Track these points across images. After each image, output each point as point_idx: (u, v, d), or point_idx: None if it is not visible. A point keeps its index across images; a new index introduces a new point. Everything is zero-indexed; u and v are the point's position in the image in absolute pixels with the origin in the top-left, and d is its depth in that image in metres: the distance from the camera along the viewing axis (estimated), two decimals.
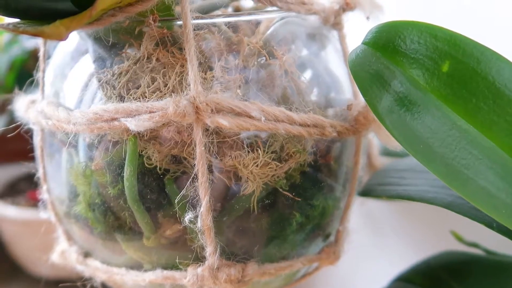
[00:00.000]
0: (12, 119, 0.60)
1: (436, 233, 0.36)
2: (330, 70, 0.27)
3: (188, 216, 0.21)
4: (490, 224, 0.21)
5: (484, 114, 0.18)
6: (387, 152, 0.37)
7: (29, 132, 0.26)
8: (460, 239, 0.32)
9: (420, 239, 0.39)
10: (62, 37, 0.14)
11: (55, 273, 0.57)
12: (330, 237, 0.27)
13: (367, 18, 0.25)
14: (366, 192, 0.28)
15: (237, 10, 0.30)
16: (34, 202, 0.60)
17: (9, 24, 0.16)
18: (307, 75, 0.25)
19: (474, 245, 0.31)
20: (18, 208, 0.58)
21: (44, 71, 0.25)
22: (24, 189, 0.65)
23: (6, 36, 0.61)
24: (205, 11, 0.26)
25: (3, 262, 0.64)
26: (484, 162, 0.18)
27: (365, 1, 0.26)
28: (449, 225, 0.32)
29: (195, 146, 0.21)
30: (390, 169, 0.30)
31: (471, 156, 0.18)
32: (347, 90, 0.27)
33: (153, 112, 0.20)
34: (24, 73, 0.62)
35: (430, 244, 0.36)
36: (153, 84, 0.21)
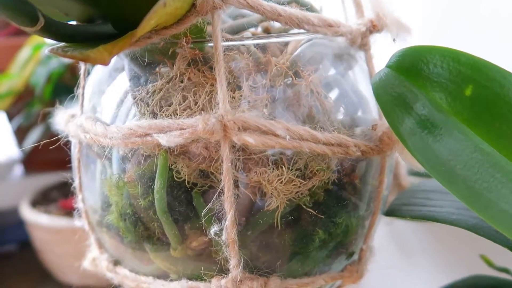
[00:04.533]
0: (47, 130, 0.62)
1: (465, 256, 0.35)
2: (357, 90, 0.27)
3: (214, 228, 0.22)
4: None
5: (507, 137, 0.19)
6: (414, 172, 0.37)
7: (66, 143, 0.28)
8: (489, 263, 0.31)
9: (448, 261, 0.39)
10: (105, 62, 0.15)
11: (84, 281, 0.59)
12: (354, 255, 0.27)
13: (394, 40, 0.26)
14: (391, 212, 0.28)
15: (266, 30, 0.31)
16: (66, 211, 0.62)
17: (58, 48, 0.17)
18: (333, 94, 0.26)
19: (505, 270, 0.30)
20: (50, 216, 0.60)
21: (84, 88, 0.27)
22: (56, 198, 0.67)
23: (44, 50, 0.64)
24: (235, 31, 0.28)
25: (35, 269, 0.66)
26: (507, 185, 0.18)
27: (392, 23, 0.26)
28: (479, 249, 0.31)
29: (222, 162, 0.21)
30: (416, 189, 0.30)
31: (493, 179, 0.18)
32: (373, 110, 0.27)
33: (183, 129, 0.21)
34: (61, 85, 0.64)
35: (458, 267, 0.36)
36: (184, 102, 0.22)
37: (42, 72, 0.64)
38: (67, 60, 0.63)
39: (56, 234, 0.59)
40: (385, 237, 0.40)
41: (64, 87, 0.64)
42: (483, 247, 0.31)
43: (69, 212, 0.61)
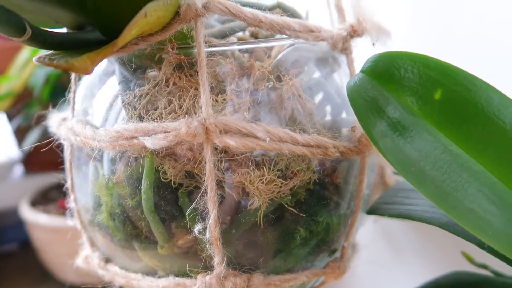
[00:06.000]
0: (45, 131, 0.64)
1: (448, 253, 0.36)
2: (340, 92, 0.28)
3: (198, 227, 0.23)
4: (482, 244, 0.21)
5: (474, 139, 0.19)
6: None
7: (59, 146, 0.29)
8: (470, 260, 0.32)
9: (432, 258, 0.40)
10: (88, 71, 0.16)
11: (84, 280, 0.60)
12: (336, 252, 0.28)
13: (373, 44, 0.27)
14: (373, 210, 0.29)
15: (254, 34, 0.32)
16: (64, 211, 0.63)
17: (45, 57, 0.18)
18: (315, 97, 0.27)
19: (484, 266, 0.31)
20: (49, 216, 0.61)
21: (75, 92, 0.28)
22: (55, 197, 0.68)
23: (42, 53, 0.65)
24: (223, 35, 0.29)
25: (35, 268, 0.67)
26: (473, 185, 0.19)
27: (372, 28, 0.27)
28: (461, 246, 0.32)
29: (205, 163, 0.22)
30: (398, 188, 0.31)
31: (461, 179, 0.19)
32: (353, 113, 0.28)
33: (167, 132, 0.22)
34: (59, 87, 0.65)
35: (441, 263, 0.36)
36: (169, 106, 0.23)
37: (40, 73, 0.65)
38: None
39: (55, 233, 0.60)
40: (372, 234, 0.40)
41: (62, 88, 0.65)
42: (465, 244, 0.31)
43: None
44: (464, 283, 0.30)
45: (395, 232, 0.42)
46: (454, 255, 0.34)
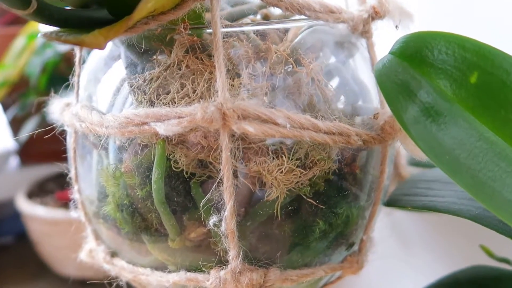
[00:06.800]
0: (43, 121, 0.62)
1: (466, 247, 0.35)
2: (358, 79, 0.27)
3: (213, 219, 0.22)
4: None
5: None
6: (415, 162, 0.37)
7: (62, 133, 0.27)
8: (490, 253, 0.31)
9: (449, 252, 0.39)
10: (101, 46, 0.15)
11: (81, 273, 0.59)
12: (354, 246, 0.27)
13: (396, 27, 0.25)
14: (392, 202, 0.28)
15: (266, 17, 0.30)
16: (62, 203, 0.62)
17: (52, 33, 0.16)
18: (334, 83, 0.26)
19: (505, 260, 0.30)
20: (46, 208, 0.60)
21: (79, 76, 0.26)
22: (52, 189, 0.67)
23: (39, 40, 0.63)
24: (234, 18, 0.27)
25: (31, 261, 0.66)
26: (511, 175, 0.18)
27: (394, 9, 0.26)
28: (479, 239, 0.31)
29: (221, 151, 0.21)
30: (417, 179, 0.29)
31: (498, 168, 0.18)
32: (374, 99, 0.27)
33: (181, 117, 0.20)
34: (56, 75, 0.64)
35: (459, 257, 0.35)
36: (182, 90, 0.22)
37: (37, 62, 0.63)
38: (62, 50, 0.62)
39: (52, 226, 0.59)
40: (385, 228, 0.39)
41: (59, 77, 0.64)
42: (483, 238, 0.30)
43: (65, 203, 0.60)
44: (484, 278, 0.29)
45: (406, 225, 0.41)
46: (471, 250, 0.32)
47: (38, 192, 0.67)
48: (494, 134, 0.18)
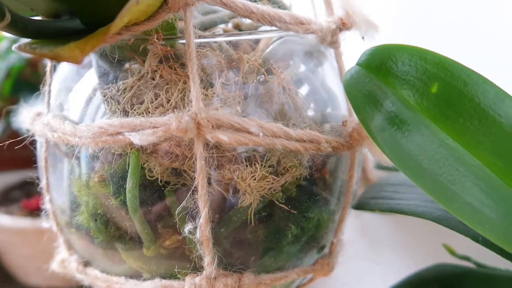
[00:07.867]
0: (7, 127, 0.60)
1: (429, 246, 0.37)
2: (327, 87, 0.28)
3: (188, 227, 0.22)
4: (476, 237, 0.21)
5: (470, 133, 0.19)
6: (382, 166, 0.38)
7: (32, 142, 0.27)
8: (452, 252, 0.33)
9: (414, 251, 0.40)
10: (77, 61, 0.15)
11: (49, 282, 0.57)
12: (325, 249, 0.28)
13: (362, 38, 0.26)
14: (360, 206, 0.29)
15: (237, 26, 0.31)
16: (28, 211, 0.60)
17: (26, 45, 0.16)
18: (304, 91, 0.26)
19: (466, 258, 0.32)
20: (11, 217, 0.58)
21: (50, 85, 0.26)
22: (18, 198, 0.65)
23: (4, 44, 0.62)
24: (206, 27, 0.28)
25: None
26: (470, 179, 0.19)
27: (361, 21, 0.27)
28: (442, 239, 0.33)
29: (196, 159, 0.21)
30: (384, 183, 0.31)
31: (457, 172, 0.19)
32: (342, 106, 0.28)
33: (156, 127, 0.21)
34: (21, 81, 0.62)
35: (423, 256, 0.37)
36: (156, 100, 0.22)
37: (1, 67, 0.62)
38: (27, 54, 0.61)
39: (18, 235, 0.58)
40: (354, 230, 0.40)
41: (24, 83, 0.62)
42: (446, 237, 0.32)
43: (32, 212, 0.59)
44: (447, 275, 0.30)
45: (374, 226, 0.42)
46: (434, 248, 0.34)
47: (2, 201, 0.65)
48: (454, 140, 0.20)
